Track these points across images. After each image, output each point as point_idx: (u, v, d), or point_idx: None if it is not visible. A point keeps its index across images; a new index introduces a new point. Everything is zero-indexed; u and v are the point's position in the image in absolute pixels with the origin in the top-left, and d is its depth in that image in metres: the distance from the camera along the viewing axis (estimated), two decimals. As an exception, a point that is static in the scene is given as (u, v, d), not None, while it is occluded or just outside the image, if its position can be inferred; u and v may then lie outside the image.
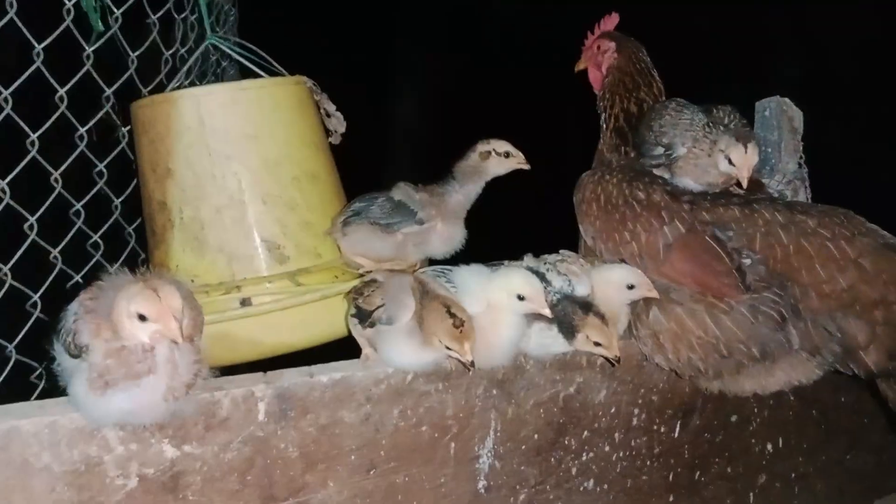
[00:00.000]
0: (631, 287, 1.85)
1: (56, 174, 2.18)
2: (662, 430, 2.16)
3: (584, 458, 2.02)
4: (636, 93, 2.21)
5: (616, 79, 2.25)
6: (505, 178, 2.15)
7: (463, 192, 2.11)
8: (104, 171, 2.42)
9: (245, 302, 2.01)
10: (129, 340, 1.30)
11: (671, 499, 2.23)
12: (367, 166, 2.38)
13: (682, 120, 1.97)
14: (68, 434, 1.33)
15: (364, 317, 1.72)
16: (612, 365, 1.83)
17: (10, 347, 2.17)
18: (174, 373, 1.34)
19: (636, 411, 2.09)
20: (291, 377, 1.56)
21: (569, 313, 1.77)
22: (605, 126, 2.27)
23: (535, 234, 2.08)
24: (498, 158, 2.09)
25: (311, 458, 1.58)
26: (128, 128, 2.38)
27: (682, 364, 1.91)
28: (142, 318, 1.28)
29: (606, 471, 2.07)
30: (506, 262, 1.90)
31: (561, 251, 1.97)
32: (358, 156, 2.41)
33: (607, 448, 2.06)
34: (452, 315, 1.59)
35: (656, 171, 2.04)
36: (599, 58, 2.30)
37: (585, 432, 2.00)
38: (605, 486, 2.08)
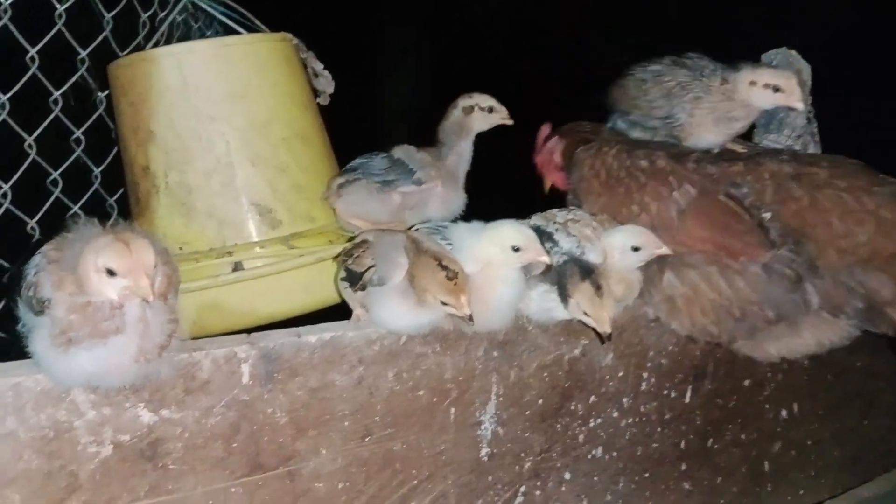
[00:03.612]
0: (636, 249, 1.74)
1: (30, 139, 2.07)
2: (673, 395, 2.06)
3: (591, 424, 1.92)
4: None
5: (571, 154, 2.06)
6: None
7: (455, 153, 2.03)
8: (82, 138, 2.31)
9: (237, 266, 1.92)
10: (96, 296, 1.19)
11: (683, 467, 2.14)
12: (355, 138, 2.28)
13: (671, 87, 1.86)
14: (34, 397, 1.23)
15: (354, 279, 1.62)
16: (602, 341, 1.72)
17: (-14, 322, 2.07)
18: (145, 333, 1.23)
19: (645, 375, 1.99)
20: (277, 338, 1.45)
21: (564, 274, 1.65)
22: None
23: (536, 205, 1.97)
24: (481, 113, 2.01)
25: (301, 423, 1.48)
26: (105, 93, 2.28)
27: (696, 329, 1.81)
28: (110, 273, 1.17)
29: (615, 438, 1.97)
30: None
31: (573, 209, 1.86)
32: (346, 128, 2.30)
33: (615, 414, 1.96)
34: (444, 267, 1.49)
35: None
36: (554, 157, 2.13)
37: (592, 397, 1.90)
38: (615, 454, 1.98)
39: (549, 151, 2.14)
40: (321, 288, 1.96)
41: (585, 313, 1.60)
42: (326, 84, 2.28)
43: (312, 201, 2.08)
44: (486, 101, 2.00)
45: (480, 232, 1.65)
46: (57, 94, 2.12)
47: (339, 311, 1.78)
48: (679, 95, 1.83)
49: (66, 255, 1.20)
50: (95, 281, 1.18)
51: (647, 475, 2.06)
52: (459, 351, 1.68)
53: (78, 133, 2.30)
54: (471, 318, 1.48)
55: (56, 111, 2.15)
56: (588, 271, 1.63)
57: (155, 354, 1.24)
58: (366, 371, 1.55)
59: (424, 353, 1.63)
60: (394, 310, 1.55)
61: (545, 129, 2.18)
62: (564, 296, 1.63)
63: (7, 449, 1.23)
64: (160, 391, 1.32)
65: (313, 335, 1.49)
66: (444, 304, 1.49)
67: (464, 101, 2.01)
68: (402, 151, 2.01)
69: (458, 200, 2.04)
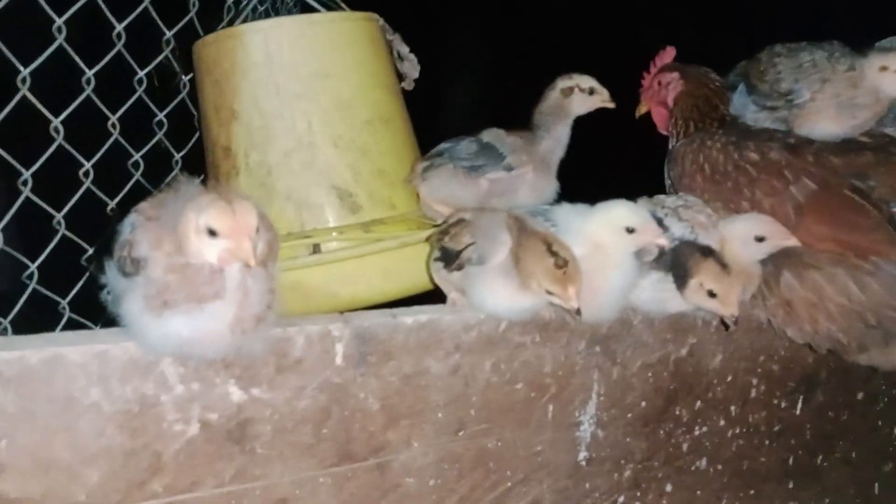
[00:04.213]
0: (761, 239, 1.59)
1: (114, 118, 2.02)
2: (783, 405, 1.89)
3: (696, 432, 1.77)
4: (713, 114, 1.88)
5: (689, 104, 1.92)
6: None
7: (552, 137, 1.91)
8: (165, 120, 2.26)
9: (316, 249, 1.83)
10: (195, 258, 1.10)
11: (790, 485, 1.96)
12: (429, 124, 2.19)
13: (803, 62, 1.72)
14: (121, 367, 1.14)
15: (451, 258, 1.50)
16: (726, 328, 1.58)
17: (64, 303, 2.02)
18: (244, 301, 1.13)
19: (754, 381, 1.83)
20: (372, 317, 1.35)
21: (683, 254, 1.52)
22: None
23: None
24: (581, 95, 1.88)
25: (393, 412, 1.37)
26: (189, 76, 2.23)
27: (819, 336, 1.65)
28: (212, 233, 1.08)
29: (721, 449, 1.81)
30: None
31: (682, 195, 1.72)
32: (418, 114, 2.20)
33: (722, 423, 1.80)
34: (554, 253, 1.36)
35: (771, 125, 1.79)
36: (663, 92, 1.98)
37: (698, 402, 1.75)
38: (719, 467, 1.82)
39: (663, 84, 1.98)
40: (403, 275, 1.87)
41: (710, 293, 1.46)
42: (411, 68, 2.18)
43: (394, 187, 1.98)
44: (586, 81, 1.88)
45: (588, 213, 1.53)
46: (142, 73, 2.08)
47: (432, 298, 1.67)
48: (809, 72, 1.69)
49: (165, 212, 1.12)
50: (195, 241, 1.09)
51: (752, 492, 1.89)
52: (560, 343, 1.55)
53: (161, 115, 2.26)
54: (578, 311, 1.35)
55: (140, 91, 2.10)
56: (709, 250, 1.50)
57: (251, 325, 1.14)
58: (462, 359, 1.44)
59: (523, 342, 1.50)
60: (494, 292, 1.43)
61: (669, 54, 2.02)
62: (683, 277, 1.49)
63: (89, 422, 1.14)
64: (252, 368, 1.23)
65: (409, 317, 1.38)
66: (549, 293, 1.37)
67: (563, 83, 1.89)
68: (491, 135, 1.89)
69: (550, 188, 1.92)
